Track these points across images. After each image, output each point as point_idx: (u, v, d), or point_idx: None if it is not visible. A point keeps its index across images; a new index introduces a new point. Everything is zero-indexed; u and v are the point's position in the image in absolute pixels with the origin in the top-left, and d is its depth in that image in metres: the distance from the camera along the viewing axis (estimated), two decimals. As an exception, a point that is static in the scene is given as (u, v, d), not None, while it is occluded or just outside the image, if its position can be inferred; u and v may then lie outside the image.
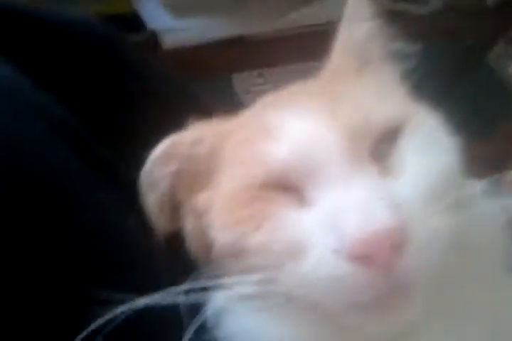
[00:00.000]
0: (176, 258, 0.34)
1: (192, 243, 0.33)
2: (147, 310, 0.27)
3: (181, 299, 0.27)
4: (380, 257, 0.24)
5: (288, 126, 0.30)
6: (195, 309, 0.28)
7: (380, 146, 0.29)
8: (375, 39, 0.36)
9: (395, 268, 0.25)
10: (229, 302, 0.30)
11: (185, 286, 0.27)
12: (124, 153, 0.36)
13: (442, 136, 0.31)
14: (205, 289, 0.28)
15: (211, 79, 0.91)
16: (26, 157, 0.29)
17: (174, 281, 0.28)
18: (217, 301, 0.30)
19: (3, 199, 0.27)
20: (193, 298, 0.28)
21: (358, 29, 0.36)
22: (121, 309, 0.26)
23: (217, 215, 0.31)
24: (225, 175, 0.32)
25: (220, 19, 1.02)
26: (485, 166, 0.33)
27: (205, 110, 0.39)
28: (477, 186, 0.33)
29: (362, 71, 0.35)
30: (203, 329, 0.29)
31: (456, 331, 0.30)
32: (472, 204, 0.31)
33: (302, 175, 0.28)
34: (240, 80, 0.99)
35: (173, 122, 0.34)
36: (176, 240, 0.34)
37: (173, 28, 0.97)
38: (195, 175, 0.34)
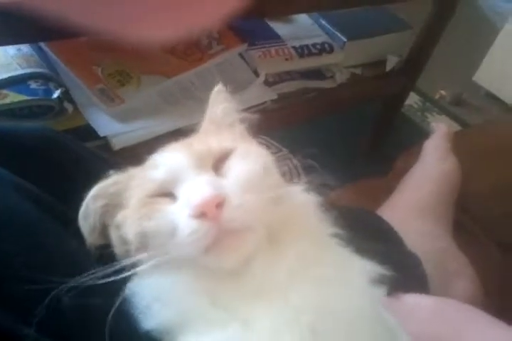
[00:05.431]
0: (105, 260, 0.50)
1: (116, 246, 0.52)
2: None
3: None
4: (210, 212, 0.43)
5: (163, 159, 0.51)
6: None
7: (218, 163, 0.50)
8: (227, 113, 0.59)
9: (220, 218, 0.43)
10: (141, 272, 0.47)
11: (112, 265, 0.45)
12: (71, 201, 0.54)
13: (258, 157, 0.51)
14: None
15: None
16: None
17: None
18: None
19: None
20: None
21: (216, 109, 0.59)
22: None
23: (129, 217, 0.49)
24: (132, 197, 0.51)
25: (159, 118, 1.22)
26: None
27: None
28: (298, 186, 0.53)
29: (218, 131, 0.57)
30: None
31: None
32: (291, 196, 0.51)
33: (172, 184, 0.48)
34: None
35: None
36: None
37: (120, 132, 1.16)
38: (116, 204, 0.52)
